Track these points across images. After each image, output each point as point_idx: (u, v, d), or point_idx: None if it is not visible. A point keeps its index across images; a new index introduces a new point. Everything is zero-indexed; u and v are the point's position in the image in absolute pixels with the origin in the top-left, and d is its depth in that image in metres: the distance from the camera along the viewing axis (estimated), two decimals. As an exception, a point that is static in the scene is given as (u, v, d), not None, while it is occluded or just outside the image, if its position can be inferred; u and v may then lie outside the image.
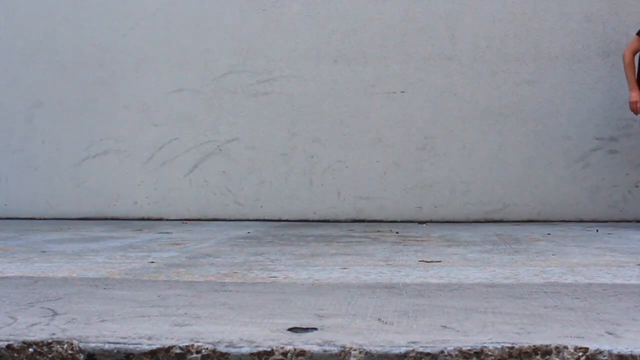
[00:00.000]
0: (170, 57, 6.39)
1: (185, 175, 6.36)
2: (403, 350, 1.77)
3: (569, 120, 6.07)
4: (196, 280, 2.89)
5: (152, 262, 3.45)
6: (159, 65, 6.40)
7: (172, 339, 1.87)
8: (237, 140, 6.31)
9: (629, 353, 1.74)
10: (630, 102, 5.46)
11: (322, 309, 2.24)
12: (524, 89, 5.92)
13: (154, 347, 1.82)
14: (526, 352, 1.77)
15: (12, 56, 6.57)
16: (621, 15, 6.04)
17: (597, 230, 5.14)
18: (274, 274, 3.04)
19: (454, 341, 1.82)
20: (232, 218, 6.30)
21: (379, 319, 2.09)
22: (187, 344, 1.82)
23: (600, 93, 6.05)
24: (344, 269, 3.19)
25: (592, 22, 6.05)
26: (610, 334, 1.90)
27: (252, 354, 1.78)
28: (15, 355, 1.83)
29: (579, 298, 2.42)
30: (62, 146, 6.51)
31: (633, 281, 2.81)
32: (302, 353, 1.78)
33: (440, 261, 3.44)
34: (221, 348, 1.80)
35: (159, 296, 2.49)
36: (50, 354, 1.83)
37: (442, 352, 1.76)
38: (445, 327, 1.99)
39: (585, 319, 2.09)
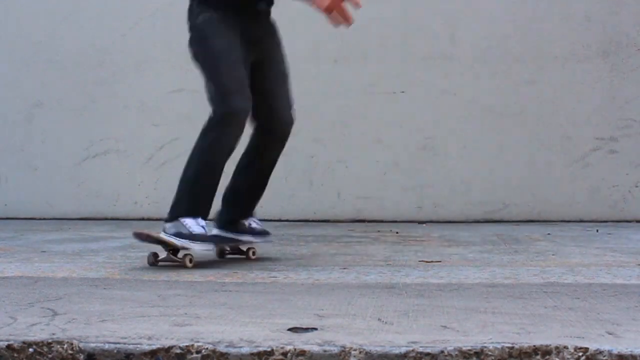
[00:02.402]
0: (170, 57, 6.38)
1: (185, 175, 6.35)
2: (403, 350, 1.77)
3: (569, 120, 6.06)
4: (196, 280, 2.89)
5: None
6: (159, 65, 6.40)
7: (172, 339, 1.87)
8: (237, 140, 6.30)
9: (629, 353, 1.75)
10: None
11: (322, 309, 2.24)
12: (524, 89, 5.92)
13: (154, 347, 1.82)
14: (526, 352, 1.77)
15: (12, 56, 6.57)
16: (621, 15, 6.03)
17: (597, 230, 5.13)
18: (274, 274, 3.04)
19: (454, 341, 1.83)
20: (232, 218, 6.29)
21: (379, 319, 2.09)
22: (187, 344, 1.82)
23: (600, 93, 6.04)
24: (344, 269, 3.19)
25: (592, 22, 6.05)
26: (610, 334, 1.90)
27: (252, 354, 1.78)
28: (15, 355, 1.84)
29: (579, 298, 2.42)
30: (62, 146, 6.50)
31: (633, 281, 2.81)
32: (302, 353, 1.78)
33: (440, 261, 3.44)
34: (221, 348, 1.80)
35: (159, 296, 2.49)
36: (50, 354, 1.84)
37: (442, 352, 1.76)
38: (445, 327, 1.99)
39: (585, 319, 2.09)
